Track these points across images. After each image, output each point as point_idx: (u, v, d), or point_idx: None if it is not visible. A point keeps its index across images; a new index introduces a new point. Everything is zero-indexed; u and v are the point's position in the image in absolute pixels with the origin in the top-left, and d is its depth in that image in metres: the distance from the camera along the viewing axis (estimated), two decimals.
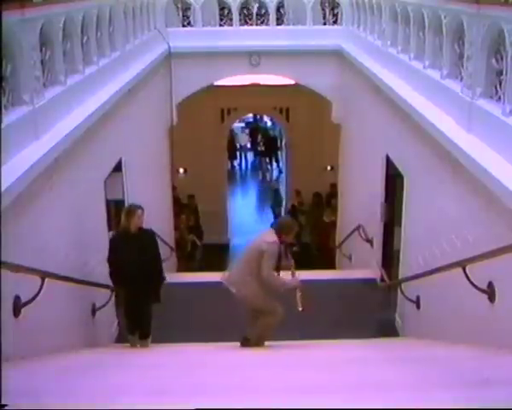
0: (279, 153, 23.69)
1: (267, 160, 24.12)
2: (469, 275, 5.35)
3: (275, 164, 24.06)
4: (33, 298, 5.04)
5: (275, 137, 23.92)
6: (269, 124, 24.77)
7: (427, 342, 6.38)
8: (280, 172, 23.19)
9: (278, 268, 6.70)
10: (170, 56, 12.53)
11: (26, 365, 4.40)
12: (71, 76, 6.93)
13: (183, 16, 12.97)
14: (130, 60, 9.61)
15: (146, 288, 7.16)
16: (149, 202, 11.42)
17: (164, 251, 12.26)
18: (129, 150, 9.34)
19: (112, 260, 7.01)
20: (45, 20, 6.00)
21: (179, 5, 12.88)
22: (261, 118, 24.65)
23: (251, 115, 23.92)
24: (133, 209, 7.09)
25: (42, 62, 6.00)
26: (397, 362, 4.82)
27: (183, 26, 13.05)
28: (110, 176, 8.48)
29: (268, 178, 23.63)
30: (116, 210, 9.05)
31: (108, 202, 8.50)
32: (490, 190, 5.08)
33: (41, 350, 5.28)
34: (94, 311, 7.49)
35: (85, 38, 7.49)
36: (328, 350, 6.30)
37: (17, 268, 4.65)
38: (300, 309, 6.41)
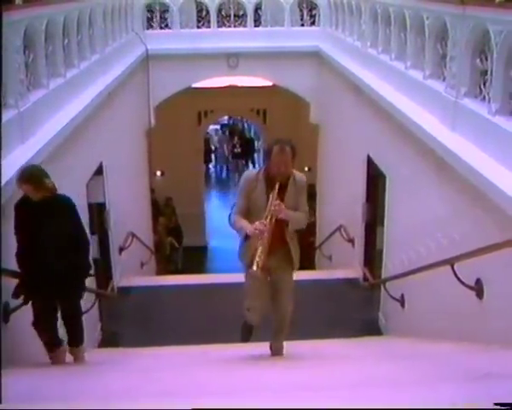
0: (255, 155, 23.75)
1: (243, 162, 24.12)
2: (457, 273, 5.40)
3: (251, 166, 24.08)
4: (19, 307, 4.99)
5: (251, 138, 23.94)
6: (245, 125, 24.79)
7: (418, 340, 6.40)
8: None
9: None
10: (148, 59, 12.46)
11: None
12: (53, 79, 6.89)
13: (161, 18, 12.89)
14: (109, 63, 9.58)
15: (68, 278, 5.14)
16: (129, 205, 11.44)
17: (144, 254, 12.29)
18: (109, 154, 9.30)
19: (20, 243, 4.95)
20: (29, 22, 5.95)
21: (157, 7, 12.79)
22: (241, 120, 24.57)
23: (226, 117, 23.91)
24: (27, 173, 4.84)
25: (25, 65, 5.96)
26: (395, 359, 4.86)
27: (161, 28, 12.99)
28: (91, 179, 8.43)
29: None
30: (98, 213, 9.04)
31: (91, 206, 8.44)
32: (476, 187, 5.13)
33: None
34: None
35: (66, 41, 7.45)
36: (322, 348, 6.29)
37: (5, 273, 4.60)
38: (254, 268, 4.71)
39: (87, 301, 7.48)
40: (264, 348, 5.69)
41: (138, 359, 6.57)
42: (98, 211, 9.04)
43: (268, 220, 4.78)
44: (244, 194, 5.06)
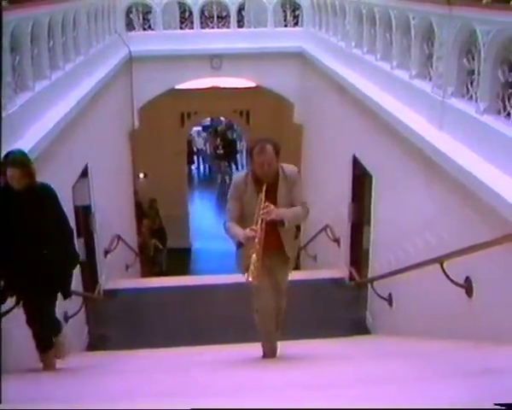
0: (238, 156, 23.75)
1: (226, 163, 24.09)
2: (446, 271, 5.43)
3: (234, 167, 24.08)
4: (11, 309, 4.95)
5: (234, 140, 23.93)
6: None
7: (410, 338, 6.43)
8: None
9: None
10: (131, 60, 12.43)
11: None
12: (39, 82, 6.85)
13: (144, 19, 12.85)
14: (93, 65, 9.54)
15: (45, 276, 4.78)
16: (114, 208, 11.39)
17: (129, 257, 12.24)
18: (94, 156, 9.26)
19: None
20: (15, 23, 5.91)
21: (139, 8, 12.75)
22: (230, 122, 24.50)
23: (208, 119, 23.89)
24: (15, 157, 4.63)
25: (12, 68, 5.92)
26: (391, 357, 4.88)
27: (144, 29, 12.95)
28: (77, 182, 8.39)
29: (227, 181, 23.61)
30: (84, 216, 8.99)
31: (77, 208, 8.39)
32: (465, 186, 5.16)
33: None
34: (66, 319, 7.38)
35: (51, 43, 7.41)
36: (314, 348, 6.29)
37: None
38: (250, 279, 4.58)
39: (74, 304, 7.47)
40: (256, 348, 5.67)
41: (133, 361, 6.55)
42: (84, 214, 8.99)
43: (258, 226, 4.63)
44: (235, 198, 4.96)
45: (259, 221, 4.65)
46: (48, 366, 5.21)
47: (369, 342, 7.59)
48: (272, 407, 2.56)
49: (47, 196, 4.81)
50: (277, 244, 5.03)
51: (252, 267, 4.53)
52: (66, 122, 7.24)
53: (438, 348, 5.09)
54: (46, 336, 5.14)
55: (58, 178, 7.22)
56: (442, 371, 3.39)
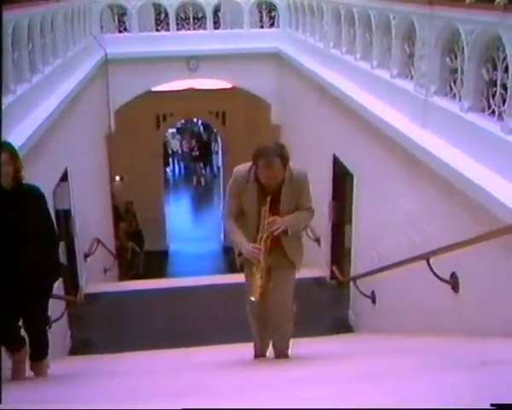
0: (213, 157, 23.76)
1: (201, 164, 24.08)
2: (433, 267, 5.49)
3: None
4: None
5: (209, 141, 23.91)
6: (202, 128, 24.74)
7: (396, 335, 6.48)
8: (214, 176, 23.22)
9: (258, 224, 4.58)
10: (107, 63, 12.34)
11: None
12: (20, 85, 6.78)
13: (119, 21, 12.78)
14: (71, 67, 9.48)
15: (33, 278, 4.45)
16: (93, 211, 11.32)
17: (107, 260, 12.17)
18: (73, 159, 9.20)
19: None
20: None
21: (115, 10, 12.67)
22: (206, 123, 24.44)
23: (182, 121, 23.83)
24: (4, 142, 4.30)
25: None
26: (386, 353, 4.92)
27: (120, 31, 12.88)
28: (57, 186, 8.33)
29: (202, 182, 23.62)
30: (64, 220, 8.92)
31: (58, 212, 8.32)
32: (450, 183, 5.21)
33: None
34: (50, 324, 7.31)
35: (31, 46, 7.34)
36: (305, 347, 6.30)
37: None
38: (252, 299, 4.52)
39: (56, 309, 7.41)
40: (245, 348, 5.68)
41: (123, 363, 6.52)
42: (64, 218, 8.92)
43: (263, 243, 4.45)
44: (234, 195, 4.65)
45: (264, 238, 4.46)
46: (40, 374, 4.93)
47: (358, 340, 7.65)
48: (272, 406, 2.56)
49: (36, 196, 4.53)
50: (279, 246, 4.70)
51: (256, 287, 4.42)
52: (47, 126, 7.18)
53: (429, 343, 5.13)
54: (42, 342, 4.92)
55: (39, 183, 7.10)
56: (442, 363, 3.44)
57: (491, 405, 2.16)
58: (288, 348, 5.28)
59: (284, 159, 4.40)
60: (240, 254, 4.69)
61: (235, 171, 4.67)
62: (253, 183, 4.53)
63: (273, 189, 4.50)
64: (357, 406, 2.35)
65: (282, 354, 5.26)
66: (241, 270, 4.93)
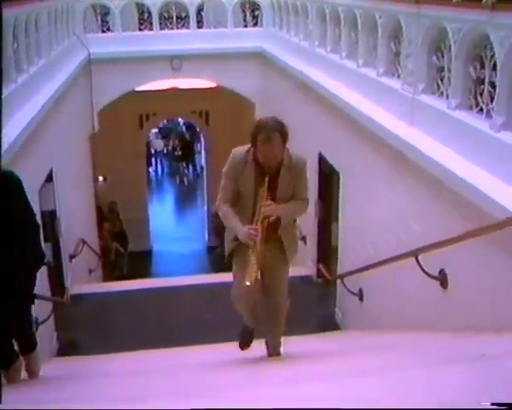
0: (196, 157, 23.73)
1: (184, 164, 24.05)
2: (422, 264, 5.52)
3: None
4: None
5: (192, 141, 23.87)
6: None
7: (385, 331, 6.52)
8: (197, 176, 23.20)
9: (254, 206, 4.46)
10: (90, 63, 12.28)
11: None
12: (5, 85, 6.72)
13: (102, 21, 12.72)
14: (55, 67, 9.41)
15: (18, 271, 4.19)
16: (77, 212, 11.26)
17: (92, 261, 12.11)
18: (58, 160, 9.15)
19: None
20: None
21: (98, 10, 12.61)
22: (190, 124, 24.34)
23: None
24: None
25: None
26: (380, 350, 4.94)
27: (103, 31, 12.82)
28: (43, 186, 8.29)
29: (185, 182, 23.60)
30: (50, 221, 8.87)
31: (43, 213, 8.27)
32: (439, 180, 5.25)
33: None
34: (37, 325, 7.27)
35: (15, 45, 7.29)
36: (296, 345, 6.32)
37: None
38: (247, 284, 4.23)
39: (43, 310, 7.37)
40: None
41: (111, 365, 6.50)
42: (50, 218, 8.87)
43: (259, 224, 4.30)
44: (231, 177, 4.50)
45: (260, 220, 4.32)
46: (33, 372, 4.82)
47: (349, 337, 7.67)
48: (272, 406, 2.56)
49: (14, 182, 4.17)
50: (275, 235, 4.62)
51: (251, 271, 4.20)
52: (33, 127, 7.13)
53: (422, 339, 5.17)
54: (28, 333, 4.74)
55: (26, 184, 7.10)
56: (439, 358, 3.47)
57: (492, 404, 2.17)
58: (280, 345, 5.29)
59: (284, 135, 4.32)
60: (235, 239, 4.53)
61: (232, 152, 4.55)
62: (251, 164, 4.43)
63: (271, 170, 4.39)
64: (345, 402, 2.36)
65: (274, 351, 5.26)
66: (229, 262, 4.82)
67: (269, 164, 4.36)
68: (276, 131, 4.28)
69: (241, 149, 4.51)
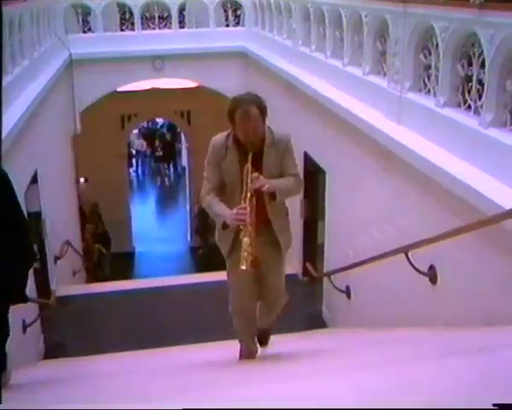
0: (177, 157, 23.68)
1: (165, 165, 24.00)
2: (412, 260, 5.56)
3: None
4: None
5: (173, 141, 23.81)
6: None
7: (374, 328, 6.56)
8: (179, 176, 23.15)
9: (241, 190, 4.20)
10: (71, 64, 12.21)
11: None
12: None
13: (83, 22, 12.65)
14: (37, 69, 9.35)
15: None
16: (61, 213, 11.19)
17: (75, 263, 12.04)
18: (42, 162, 9.10)
19: None
20: None
21: (79, 10, 12.54)
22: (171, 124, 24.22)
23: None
24: None
25: None
26: (375, 345, 4.97)
27: (84, 32, 12.75)
28: (28, 188, 8.24)
29: (167, 183, 23.55)
30: (35, 222, 8.82)
31: (29, 215, 8.22)
32: (428, 176, 5.29)
33: None
34: (25, 327, 7.23)
35: None
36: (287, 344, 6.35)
37: None
38: (243, 268, 3.96)
39: (29, 313, 7.33)
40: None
41: (100, 365, 6.48)
42: (35, 220, 8.82)
43: (248, 201, 4.05)
44: (213, 164, 4.33)
45: (248, 196, 4.07)
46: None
47: (340, 334, 7.68)
48: (272, 406, 2.58)
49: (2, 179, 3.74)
50: (265, 224, 4.37)
51: (245, 254, 3.94)
52: (18, 129, 7.09)
53: (417, 335, 5.21)
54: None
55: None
56: (440, 351, 3.50)
57: (494, 405, 2.19)
58: (271, 330, 5.29)
59: (261, 108, 4.19)
60: (224, 226, 4.26)
61: (212, 140, 4.40)
62: (233, 147, 4.29)
63: (254, 148, 4.21)
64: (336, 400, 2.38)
65: (265, 338, 5.27)
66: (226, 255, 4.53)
67: (251, 140, 4.19)
68: (253, 103, 4.15)
69: (219, 136, 4.37)
